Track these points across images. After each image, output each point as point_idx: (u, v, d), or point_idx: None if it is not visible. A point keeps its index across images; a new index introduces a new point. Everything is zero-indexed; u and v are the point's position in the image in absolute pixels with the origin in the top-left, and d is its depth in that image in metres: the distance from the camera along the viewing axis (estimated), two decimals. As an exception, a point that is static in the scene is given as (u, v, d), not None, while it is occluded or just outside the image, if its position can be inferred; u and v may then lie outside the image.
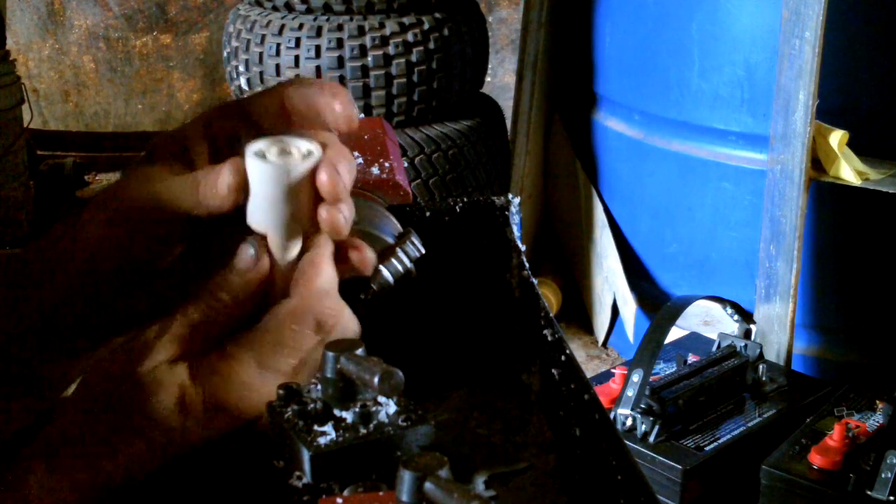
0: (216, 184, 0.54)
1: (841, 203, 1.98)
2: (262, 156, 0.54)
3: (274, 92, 0.58)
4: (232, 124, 0.58)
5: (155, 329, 0.54)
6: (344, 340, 0.53)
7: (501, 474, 0.57)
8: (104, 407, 0.52)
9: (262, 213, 0.54)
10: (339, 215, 0.55)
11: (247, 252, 0.55)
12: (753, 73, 2.01)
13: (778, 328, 1.94)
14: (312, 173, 0.54)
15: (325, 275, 0.55)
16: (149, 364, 0.52)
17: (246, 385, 0.53)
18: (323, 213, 0.55)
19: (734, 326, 1.98)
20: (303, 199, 0.54)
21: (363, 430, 0.50)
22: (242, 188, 0.54)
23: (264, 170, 0.54)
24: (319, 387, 0.52)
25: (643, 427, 1.63)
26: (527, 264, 0.73)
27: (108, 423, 0.52)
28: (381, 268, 0.62)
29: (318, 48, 2.15)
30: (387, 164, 0.80)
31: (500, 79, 3.66)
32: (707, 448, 1.63)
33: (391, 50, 2.16)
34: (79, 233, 0.56)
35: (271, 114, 0.57)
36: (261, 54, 2.21)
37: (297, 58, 2.17)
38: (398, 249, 0.64)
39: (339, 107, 0.56)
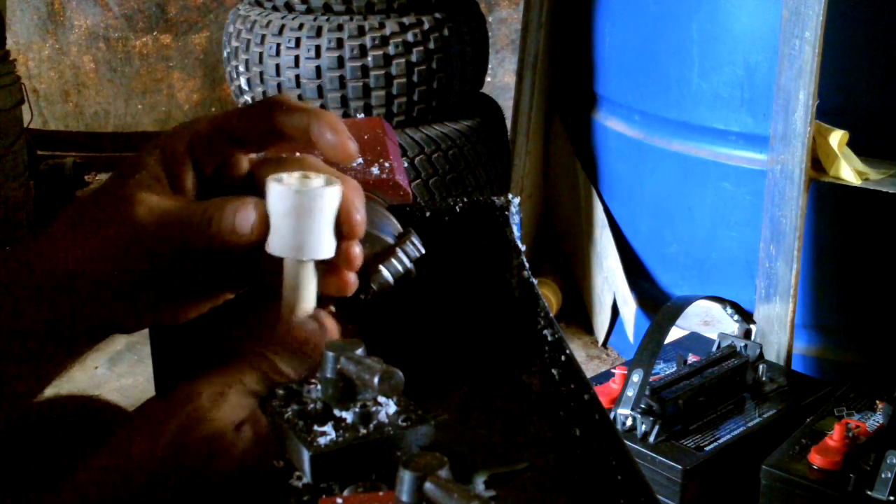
0: (237, 220, 0.54)
1: (841, 203, 1.98)
2: (281, 182, 0.55)
3: (257, 114, 0.57)
4: (217, 147, 0.57)
5: (208, 394, 0.52)
6: (344, 340, 0.53)
7: (501, 474, 0.57)
8: (152, 469, 0.51)
9: (285, 239, 0.55)
10: (358, 250, 0.57)
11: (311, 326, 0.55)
12: (753, 73, 2.01)
13: (778, 328, 1.94)
14: (333, 201, 0.55)
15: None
16: (209, 430, 0.52)
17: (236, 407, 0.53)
18: (343, 246, 0.56)
19: (734, 326, 1.97)
20: (324, 225, 0.55)
21: (363, 430, 0.50)
22: (264, 224, 0.55)
23: (294, 196, 0.54)
24: (319, 387, 0.52)
25: (643, 427, 1.63)
26: (527, 264, 0.73)
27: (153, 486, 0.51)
28: (381, 268, 0.62)
29: (318, 48, 2.15)
30: (387, 164, 0.80)
31: (500, 79, 3.66)
32: (707, 448, 1.62)
33: (391, 50, 2.16)
34: (57, 244, 0.55)
35: (256, 136, 0.57)
36: (261, 54, 2.21)
37: (297, 58, 2.17)
38: (398, 249, 0.64)
39: (332, 137, 0.56)
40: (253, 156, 0.59)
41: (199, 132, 0.57)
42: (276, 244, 0.55)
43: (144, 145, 0.57)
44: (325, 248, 0.55)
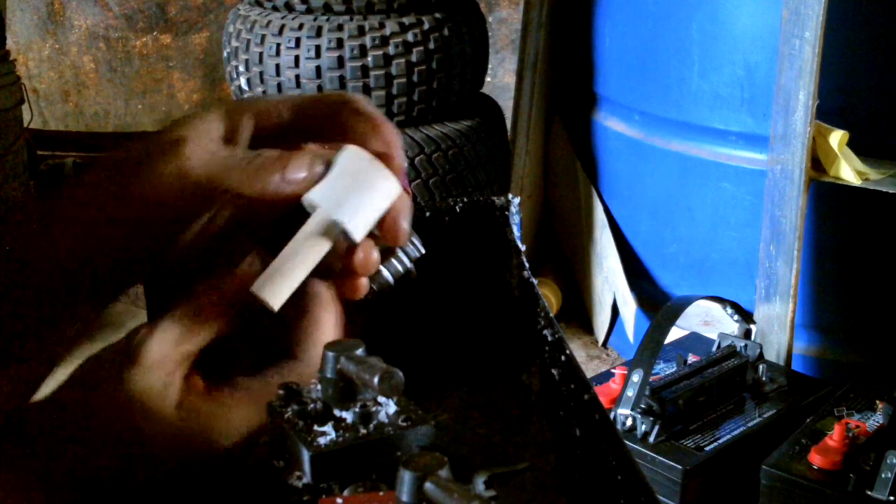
0: (291, 167, 0.53)
1: (841, 203, 1.98)
2: None
3: (329, 108, 0.56)
4: (281, 126, 0.56)
5: (144, 333, 0.51)
6: (344, 340, 0.53)
7: (501, 474, 0.57)
8: (82, 419, 0.50)
9: (331, 192, 0.53)
10: (376, 255, 0.56)
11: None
12: (753, 73, 2.01)
13: (778, 328, 1.94)
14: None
15: (329, 337, 0.54)
16: (141, 377, 0.50)
17: (230, 434, 0.52)
18: (365, 245, 0.55)
19: (734, 326, 1.97)
20: (372, 206, 0.54)
21: (363, 431, 0.50)
22: (316, 181, 0.53)
23: (367, 162, 0.54)
24: (319, 387, 0.52)
25: (643, 427, 1.63)
26: (527, 264, 0.73)
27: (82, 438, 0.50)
28: (381, 268, 0.62)
29: (318, 48, 2.15)
30: (387, 164, 0.80)
31: (500, 79, 3.66)
32: (707, 448, 1.63)
33: (391, 50, 2.16)
34: (96, 185, 0.54)
35: (322, 128, 0.56)
36: (261, 54, 2.21)
37: (297, 58, 2.17)
38: (398, 249, 0.63)
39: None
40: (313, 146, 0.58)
41: (269, 108, 0.56)
42: (317, 194, 0.53)
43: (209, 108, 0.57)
44: (360, 225, 0.54)
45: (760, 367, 1.83)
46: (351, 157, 0.54)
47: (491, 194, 0.77)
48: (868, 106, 1.96)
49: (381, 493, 0.46)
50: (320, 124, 0.57)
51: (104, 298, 0.56)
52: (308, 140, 0.57)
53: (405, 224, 0.56)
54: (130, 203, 0.53)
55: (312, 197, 0.54)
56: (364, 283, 0.57)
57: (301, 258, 0.53)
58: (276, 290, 0.52)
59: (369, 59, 2.15)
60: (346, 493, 0.48)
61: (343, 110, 0.56)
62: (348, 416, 0.50)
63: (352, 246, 0.55)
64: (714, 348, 1.91)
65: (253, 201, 0.53)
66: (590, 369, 2.32)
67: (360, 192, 0.54)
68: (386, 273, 0.62)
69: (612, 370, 1.84)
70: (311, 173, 0.53)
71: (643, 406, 1.64)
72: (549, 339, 0.67)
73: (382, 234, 0.56)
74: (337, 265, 0.56)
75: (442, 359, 0.69)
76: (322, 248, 0.54)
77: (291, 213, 0.55)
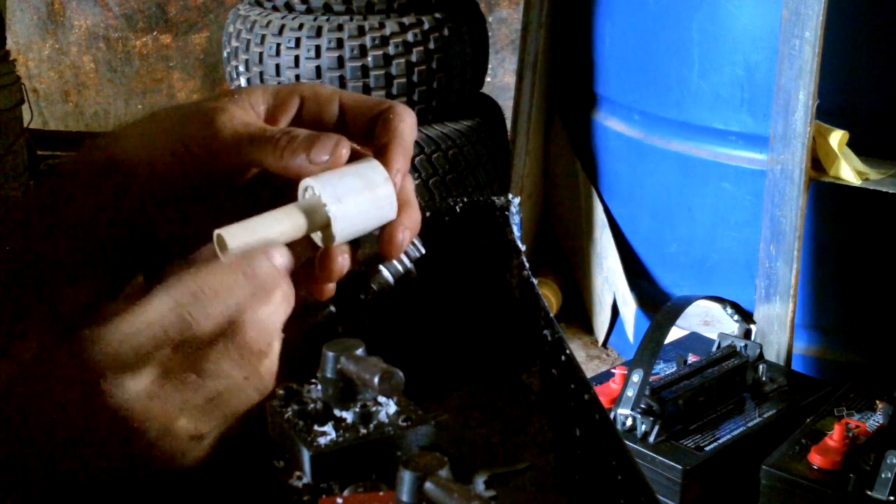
0: (317, 147, 0.53)
1: (841, 203, 1.98)
2: None
3: (373, 111, 0.57)
4: (324, 116, 0.57)
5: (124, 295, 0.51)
6: (344, 340, 0.53)
7: (501, 474, 0.57)
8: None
9: (336, 181, 0.53)
10: (342, 262, 0.54)
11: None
12: (753, 73, 2.01)
13: (778, 328, 1.94)
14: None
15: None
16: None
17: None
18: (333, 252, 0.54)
19: (734, 326, 1.97)
20: (367, 215, 0.54)
21: (363, 430, 0.50)
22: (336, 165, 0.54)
23: (383, 178, 0.54)
24: (319, 387, 0.52)
25: (643, 427, 1.63)
26: (527, 264, 0.73)
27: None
28: (382, 268, 0.62)
29: (318, 48, 2.15)
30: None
31: (500, 79, 3.66)
32: (707, 448, 1.62)
33: (391, 50, 2.16)
34: (131, 139, 0.55)
35: (359, 128, 0.57)
36: (261, 54, 2.21)
37: (297, 58, 2.17)
38: (397, 249, 0.63)
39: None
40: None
41: (318, 97, 0.57)
42: (322, 181, 0.53)
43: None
44: (345, 229, 0.54)
45: (760, 367, 1.83)
46: (371, 167, 0.54)
47: (491, 194, 0.77)
48: (868, 106, 1.96)
49: (381, 493, 0.46)
50: (362, 125, 0.57)
51: (105, 293, 0.56)
52: (347, 136, 0.57)
53: (399, 237, 0.56)
54: (160, 160, 0.54)
55: (316, 182, 0.53)
56: (331, 287, 0.56)
57: (275, 222, 0.52)
58: (235, 234, 0.51)
59: (369, 59, 2.15)
60: (346, 493, 0.48)
61: (379, 119, 0.56)
62: (348, 416, 0.50)
63: (325, 248, 0.55)
64: (714, 348, 1.91)
65: (272, 181, 0.54)
66: (590, 369, 2.32)
67: (362, 202, 0.54)
68: (386, 273, 0.62)
69: (612, 370, 1.84)
70: (335, 157, 0.54)
71: (643, 406, 1.64)
72: (549, 339, 0.67)
73: (380, 242, 0.56)
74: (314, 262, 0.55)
75: (442, 359, 0.69)
76: (300, 226, 0.53)
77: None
